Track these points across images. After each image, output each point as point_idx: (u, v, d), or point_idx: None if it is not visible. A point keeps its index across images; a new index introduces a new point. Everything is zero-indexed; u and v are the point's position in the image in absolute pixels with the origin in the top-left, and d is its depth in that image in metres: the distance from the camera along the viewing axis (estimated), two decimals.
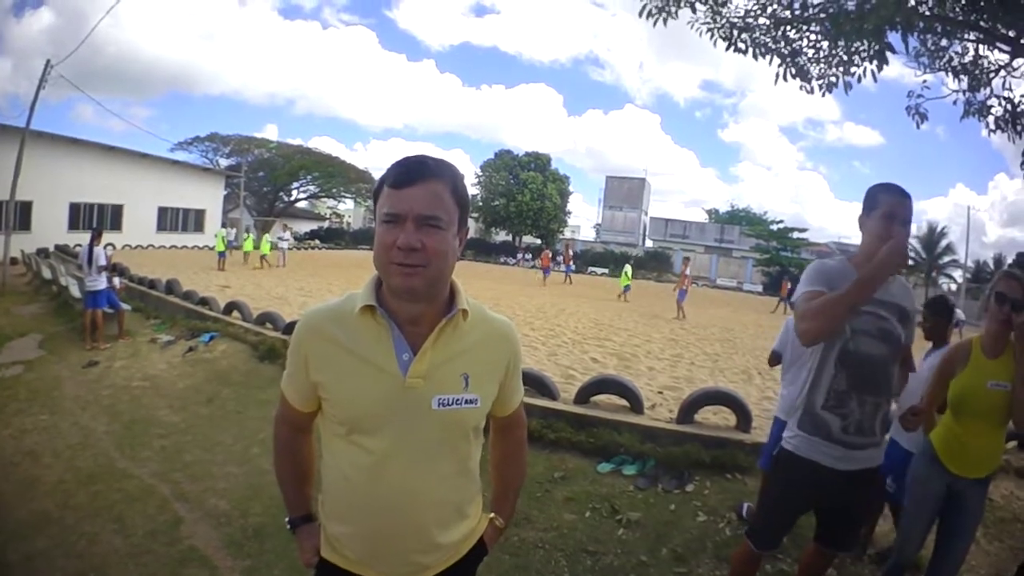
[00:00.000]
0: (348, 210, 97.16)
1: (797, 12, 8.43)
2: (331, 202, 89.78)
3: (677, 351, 16.66)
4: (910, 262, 65.21)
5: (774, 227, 73.76)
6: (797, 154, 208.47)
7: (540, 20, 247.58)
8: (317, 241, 67.73)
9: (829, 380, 3.24)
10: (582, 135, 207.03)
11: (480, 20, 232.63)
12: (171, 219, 49.98)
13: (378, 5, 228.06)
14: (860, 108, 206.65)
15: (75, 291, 15.06)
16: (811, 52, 8.71)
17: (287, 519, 2.29)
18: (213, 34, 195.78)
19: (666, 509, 6.04)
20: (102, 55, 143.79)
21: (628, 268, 34.56)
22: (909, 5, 7.38)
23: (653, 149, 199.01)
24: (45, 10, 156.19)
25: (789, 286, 36.26)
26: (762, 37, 8.64)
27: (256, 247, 33.33)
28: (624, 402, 8.06)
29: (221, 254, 30.13)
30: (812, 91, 8.85)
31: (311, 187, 79.62)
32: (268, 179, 73.53)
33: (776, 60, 8.67)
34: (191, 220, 52.08)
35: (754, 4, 8.59)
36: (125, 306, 13.59)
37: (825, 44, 8.50)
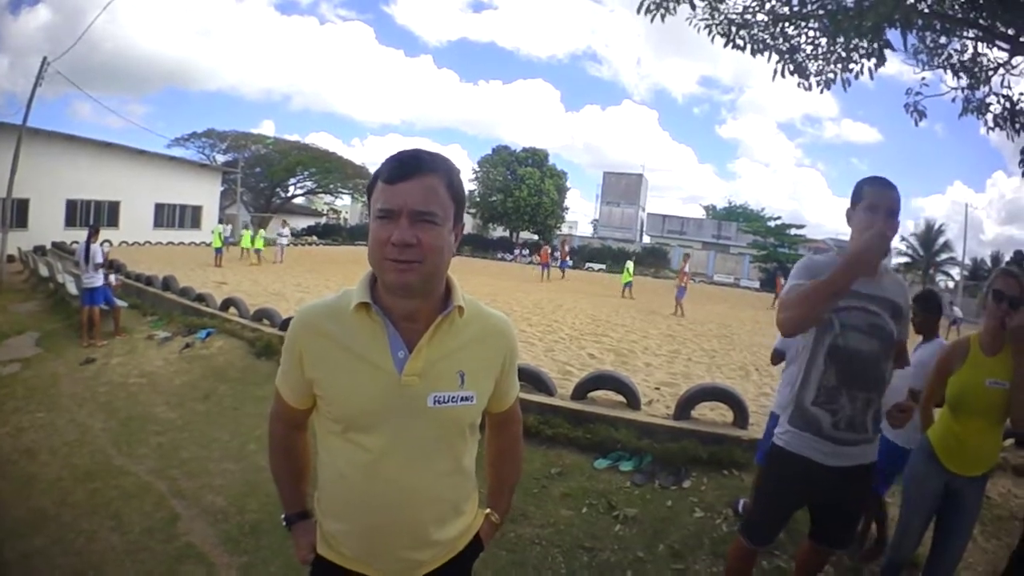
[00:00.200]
0: (345, 206, 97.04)
1: (796, 9, 8.43)
2: (328, 198, 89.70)
3: (674, 347, 16.70)
4: (907, 259, 65.65)
5: (771, 223, 73.73)
6: (795, 151, 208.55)
7: (538, 15, 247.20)
8: (314, 237, 67.83)
9: (819, 376, 3.24)
10: (580, 131, 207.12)
11: (478, 15, 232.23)
12: (168, 215, 49.95)
13: (375, 0, 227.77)
14: (858, 105, 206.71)
15: (72, 288, 15.02)
16: (809, 49, 8.71)
17: (283, 516, 2.29)
18: (210, 30, 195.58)
19: (663, 505, 6.04)
20: (99, 52, 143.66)
21: (630, 265, 34.44)
22: (908, 3, 7.38)
23: (651, 145, 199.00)
24: (42, 7, 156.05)
25: (783, 282, 36.37)
26: (760, 34, 8.63)
27: (253, 243, 33.25)
28: (621, 398, 8.06)
29: (218, 250, 30.09)
30: (810, 88, 8.86)
31: (308, 183, 79.63)
32: (265, 175, 73.52)
33: (774, 57, 8.67)
34: (188, 216, 52.03)
35: (753, 0, 8.58)
36: (121, 303, 13.61)
37: (823, 41, 8.50)
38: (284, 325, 11.08)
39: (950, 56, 9.17)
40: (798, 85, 8.87)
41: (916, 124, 9.28)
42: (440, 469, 2.01)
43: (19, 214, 33.47)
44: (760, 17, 8.60)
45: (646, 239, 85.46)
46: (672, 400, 8.74)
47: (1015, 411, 3.75)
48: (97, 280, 12.40)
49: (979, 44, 8.88)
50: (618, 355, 14.37)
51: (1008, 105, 8.93)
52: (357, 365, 1.91)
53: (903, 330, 3.32)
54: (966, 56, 9.11)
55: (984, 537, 5.80)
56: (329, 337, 1.93)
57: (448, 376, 1.95)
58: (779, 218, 77.16)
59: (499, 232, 78.27)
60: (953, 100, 9.36)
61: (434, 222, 1.79)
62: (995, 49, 8.73)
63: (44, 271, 19.88)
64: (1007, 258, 72.53)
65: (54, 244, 32.94)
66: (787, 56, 8.66)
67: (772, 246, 64.91)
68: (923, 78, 9.13)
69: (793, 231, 68.49)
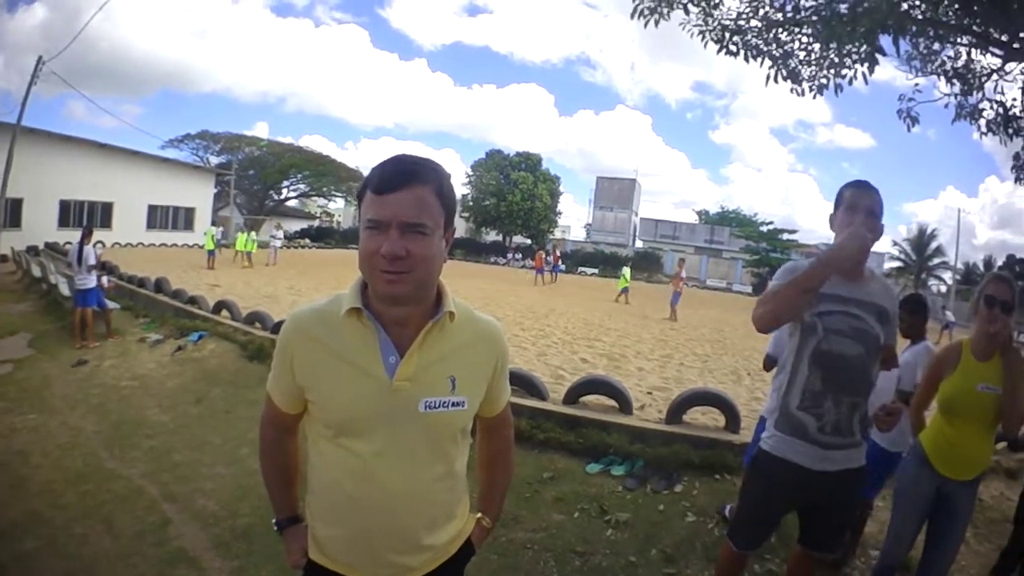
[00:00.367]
0: (338, 209, 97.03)
1: (789, 15, 8.46)
2: (321, 201, 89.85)
3: (667, 352, 16.72)
4: (899, 264, 65.75)
5: (764, 228, 73.92)
6: (788, 156, 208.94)
7: (532, 20, 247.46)
8: (307, 240, 67.62)
9: (803, 380, 3.24)
10: (573, 135, 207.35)
11: (473, 20, 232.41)
12: (161, 217, 49.87)
13: (371, 4, 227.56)
14: (851, 111, 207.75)
15: (64, 289, 14.99)
16: (802, 54, 8.73)
17: (274, 520, 2.28)
18: (205, 31, 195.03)
19: (655, 509, 6.05)
20: (95, 51, 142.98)
21: (626, 270, 34.47)
22: (902, 9, 7.40)
23: (644, 150, 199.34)
24: (38, 5, 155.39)
25: None
26: (754, 39, 8.66)
27: (244, 245, 33.17)
28: (613, 403, 8.08)
29: (211, 252, 29.88)
30: (803, 93, 8.88)
31: (301, 186, 79.75)
32: (258, 177, 73.59)
33: (767, 62, 8.69)
34: (181, 218, 51.95)
35: (746, 6, 8.60)
36: (113, 305, 13.54)
37: (816, 46, 8.53)
38: (276, 328, 11.04)
39: (943, 62, 9.20)
40: (791, 91, 8.90)
41: (909, 130, 9.32)
42: (431, 474, 2.01)
43: (12, 214, 33.46)
44: (754, 23, 8.62)
45: (639, 244, 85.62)
46: (664, 404, 8.76)
47: (1006, 416, 3.77)
48: (90, 281, 12.35)
49: (972, 50, 8.91)
50: (611, 359, 14.38)
51: (1001, 111, 8.96)
52: (348, 370, 1.90)
53: (890, 334, 3.32)
54: (959, 62, 9.14)
55: (977, 540, 5.84)
56: (320, 342, 1.93)
57: (439, 381, 1.95)
58: (771, 223, 77.39)
59: (492, 236, 78.26)
60: (946, 106, 9.40)
61: (424, 232, 1.78)
62: (988, 55, 8.76)
63: (37, 272, 19.80)
64: (1000, 262, 72.79)
65: (47, 245, 32.80)
66: (780, 62, 8.68)
67: (764, 251, 65.01)
68: (916, 84, 9.17)
69: (785, 236, 68.72)
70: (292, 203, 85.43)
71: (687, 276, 27.46)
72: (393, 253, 1.73)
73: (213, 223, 47.41)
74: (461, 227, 77.00)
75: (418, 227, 1.77)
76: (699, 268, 71.34)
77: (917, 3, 7.77)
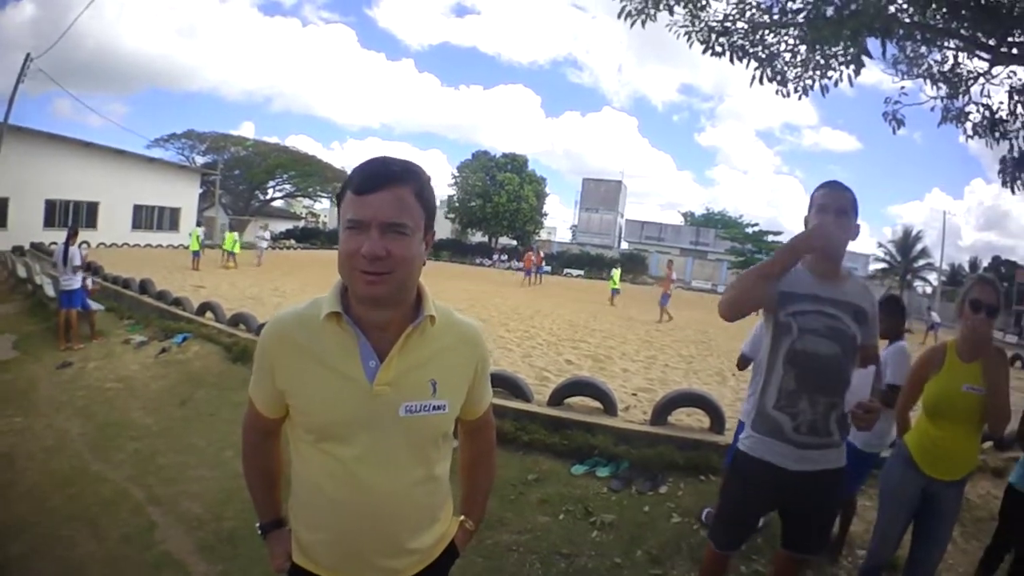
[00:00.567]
0: (324, 209, 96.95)
1: (776, 16, 8.48)
2: (307, 201, 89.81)
3: (652, 353, 16.76)
4: (885, 265, 66.04)
5: (749, 230, 74.32)
6: (774, 158, 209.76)
7: (520, 21, 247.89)
8: (293, 241, 67.50)
9: (778, 380, 3.26)
10: (560, 137, 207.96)
11: (460, 20, 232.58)
12: (146, 217, 49.78)
13: (358, 3, 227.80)
14: (838, 113, 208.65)
15: (50, 290, 14.93)
16: (788, 56, 8.75)
17: (258, 524, 2.27)
18: (193, 29, 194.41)
19: (640, 511, 6.05)
20: (82, 49, 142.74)
21: (615, 273, 34.47)
22: (888, 12, 7.43)
23: (630, 152, 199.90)
24: (27, 2, 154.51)
25: None
26: (740, 40, 8.68)
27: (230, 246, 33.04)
28: (598, 404, 8.09)
29: (195, 253, 29.76)
30: (788, 94, 8.91)
31: (287, 186, 79.72)
32: (244, 177, 73.53)
33: (753, 63, 8.71)
34: (166, 218, 51.87)
35: (733, 8, 8.62)
36: (97, 306, 13.46)
37: (802, 48, 8.55)
38: (260, 330, 11.02)
39: (930, 66, 9.25)
40: (776, 92, 8.92)
41: (894, 132, 9.38)
42: (414, 478, 2.00)
43: None
44: (740, 25, 8.64)
45: (624, 245, 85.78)
46: (649, 406, 8.75)
47: (991, 416, 3.79)
48: (75, 282, 12.29)
49: (959, 54, 8.95)
50: (596, 361, 14.39)
51: (988, 114, 9.01)
52: (328, 375, 1.90)
53: (868, 334, 3.33)
54: (946, 66, 9.18)
55: (964, 539, 5.88)
56: (300, 347, 1.93)
57: (420, 385, 1.94)
58: (757, 225, 77.97)
59: (478, 237, 78.25)
60: (932, 109, 9.45)
61: (404, 233, 1.78)
62: (975, 59, 8.80)
63: (22, 272, 19.70)
64: (985, 263, 73.23)
65: (33, 245, 32.67)
66: (766, 63, 8.71)
67: (750, 252, 65.22)
68: (902, 87, 9.21)
69: (771, 238, 68.97)
70: (278, 203, 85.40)
71: (676, 277, 27.38)
72: (373, 253, 1.73)
73: (198, 223, 47.33)
74: (447, 228, 76.99)
75: (398, 227, 1.76)
76: (684, 270, 71.46)
77: (904, 7, 7.79)
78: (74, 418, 8.18)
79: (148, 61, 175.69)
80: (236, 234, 34.53)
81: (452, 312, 2.11)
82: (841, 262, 3.33)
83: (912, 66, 9.35)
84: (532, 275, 42.74)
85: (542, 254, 49.00)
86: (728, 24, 8.65)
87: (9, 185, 31.83)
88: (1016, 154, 8.88)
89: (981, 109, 9.13)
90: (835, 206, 3.21)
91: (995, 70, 8.70)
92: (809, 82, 8.71)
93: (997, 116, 8.99)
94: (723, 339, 21.27)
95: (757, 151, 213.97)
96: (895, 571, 4.53)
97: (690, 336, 21.59)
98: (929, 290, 67.01)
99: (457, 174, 75.64)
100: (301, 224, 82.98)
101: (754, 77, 8.71)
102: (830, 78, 8.48)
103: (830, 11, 7.65)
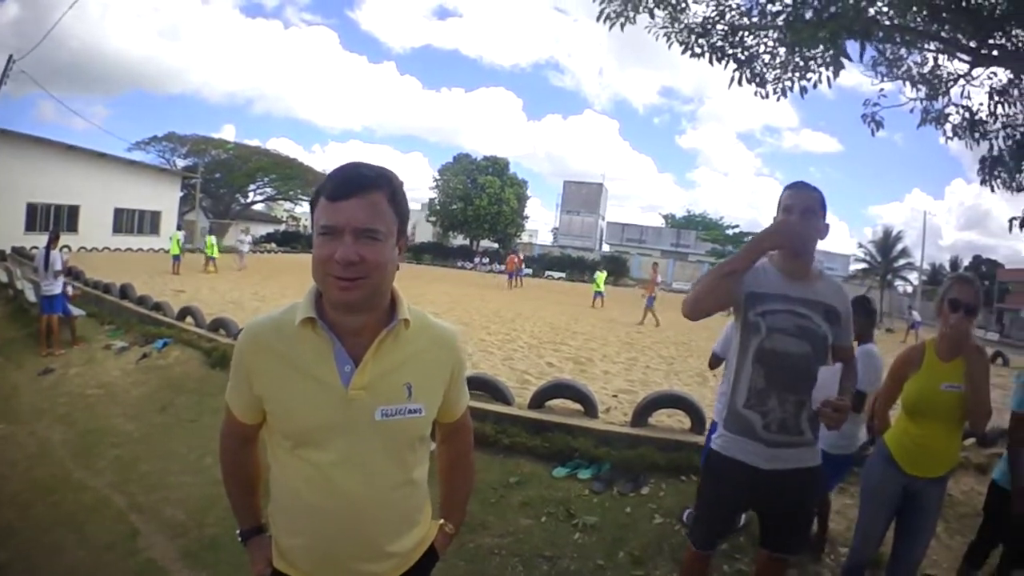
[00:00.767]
0: (305, 213, 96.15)
1: (755, 19, 8.50)
2: (288, 205, 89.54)
3: (633, 355, 16.82)
4: (865, 265, 66.34)
5: (730, 232, 74.68)
6: (754, 160, 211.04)
7: (502, 24, 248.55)
8: (273, 244, 67.34)
9: (748, 379, 3.28)
10: (541, 140, 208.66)
11: (442, 23, 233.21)
12: (127, 221, 49.55)
13: (340, 5, 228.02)
14: (818, 115, 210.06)
15: (31, 295, 14.80)
16: (767, 57, 8.77)
17: (238, 531, 2.27)
18: (175, 31, 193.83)
19: (622, 512, 6.07)
20: (65, 50, 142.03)
21: (599, 275, 34.16)
22: (868, 15, 7.46)
23: (611, 154, 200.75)
24: (11, 3, 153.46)
25: None
26: (719, 42, 8.70)
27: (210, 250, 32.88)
28: (579, 406, 8.09)
29: (176, 257, 29.54)
30: (767, 96, 8.93)
31: (268, 189, 79.50)
32: (224, 180, 73.27)
33: (732, 64, 8.73)
34: (147, 222, 51.63)
35: (712, 11, 8.65)
36: (78, 311, 13.37)
37: (782, 50, 8.57)
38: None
39: (909, 68, 9.30)
40: (755, 93, 8.95)
41: (873, 134, 9.40)
42: (391, 481, 2.01)
43: None
44: (720, 26, 8.66)
45: (605, 247, 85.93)
46: (630, 407, 8.76)
47: (971, 413, 3.81)
48: (56, 287, 12.22)
49: (939, 56, 9.00)
50: (577, 363, 14.42)
51: (968, 115, 9.06)
52: (304, 381, 1.90)
53: (841, 333, 3.35)
54: (926, 68, 9.23)
55: (948, 534, 5.93)
56: (276, 353, 1.93)
57: (395, 389, 1.95)
58: (737, 226, 78.31)
59: (459, 240, 78.20)
60: (911, 110, 9.49)
61: (377, 238, 1.79)
62: (955, 61, 8.85)
63: (3, 277, 19.52)
64: (966, 262, 73.81)
65: (14, 249, 32.42)
66: (745, 64, 8.73)
67: (731, 254, 64.97)
68: (881, 89, 9.25)
69: (751, 239, 69.09)
70: (258, 207, 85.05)
71: (660, 280, 27.43)
72: (347, 259, 1.74)
73: (179, 227, 47.03)
74: (428, 231, 76.94)
75: (371, 233, 1.78)
76: (666, 271, 71.58)
77: (884, 9, 7.83)
78: (56, 425, 8.15)
79: (131, 63, 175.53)
80: (214, 238, 34.40)
81: (426, 316, 2.12)
82: (811, 261, 3.36)
83: (892, 68, 9.39)
84: (514, 278, 42.77)
85: (521, 256, 49.03)
86: (708, 26, 8.68)
87: None
88: (995, 153, 8.94)
89: (961, 111, 9.19)
90: (801, 206, 3.24)
91: (975, 71, 8.75)
92: (788, 84, 8.73)
93: (977, 117, 9.04)
94: (704, 340, 21.27)
95: (737, 153, 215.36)
96: (878, 568, 4.56)
97: (671, 337, 21.63)
98: (910, 289, 67.46)
99: (438, 177, 75.63)
100: (282, 228, 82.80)
101: (733, 78, 8.73)
102: (809, 80, 8.50)
103: (809, 14, 7.68)
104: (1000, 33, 7.99)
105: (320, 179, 1.89)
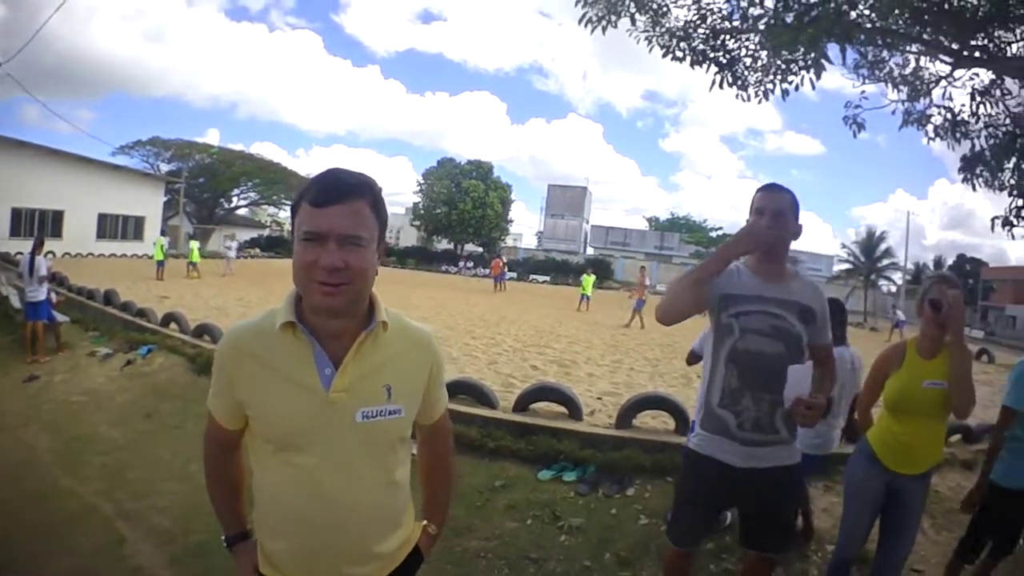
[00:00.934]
0: (288, 218, 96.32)
1: (736, 23, 8.54)
2: (271, 210, 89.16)
3: (617, 357, 16.85)
4: (849, 266, 66.60)
5: (713, 234, 74.95)
6: (737, 163, 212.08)
7: (486, 28, 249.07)
8: (257, 250, 67.11)
9: (722, 378, 3.32)
10: (525, 143, 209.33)
11: (427, 27, 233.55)
12: (111, 226, 49.47)
13: (325, 9, 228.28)
14: (801, 117, 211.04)
15: (15, 302, 14.67)
16: (749, 61, 8.80)
17: (223, 537, 2.29)
18: (160, 34, 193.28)
19: (608, 514, 6.09)
20: (51, 52, 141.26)
21: (587, 279, 34.16)
22: (849, 18, 7.50)
23: (595, 158, 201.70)
24: None
25: None
26: (700, 46, 8.72)
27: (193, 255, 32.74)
28: (563, 409, 8.11)
29: (160, 263, 29.36)
30: (748, 99, 8.96)
31: (251, 194, 79.31)
32: (208, 185, 73.00)
33: (713, 68, 8.76)
34: (131, 227, 51.53)
35: (694, 15, 8.67)
36: (62, 318, 13.29)
37: (763, 53, 8.60)
38: None
39: (891, 70, 9.35)
40: (736, 96, 8.98)
41: (855, 136, 9.46)
42: (374, 483, 2.03)
43: None
44: (701, 30, 8.69)
45: (590, 251, 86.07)
46: (615, 410, 8.80)
47: (956, 403, 3.84)
48: (41, 294, 12.08)
49: (921, 58, 9.05)
50: (561, 366, 14.45)
51: (950, 116, 9.12)
52: (285, 385, 1.92)
53: (817, 332, 3.39)
54: (907, 70, 9.28)
55: (935, 530, 6.01)
56: (257, 358, 1.94)
57: (375, 391, 1.97)
58: (720, 229, 78.63)
59: (444, 245, 78.17)
60: (893, 112, 9.55)
61: (361, 245, 1.82)
62: (937, 63, 8.91)
63: None
64: (950, 261, 74.29)
65: None
66: (726, 68, 8.76)
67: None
68: (863, 91, 9.30)
69: (721, 244, 69.32)
70: (242, 212, 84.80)
71: (639, 282, 27.50)
72: (332, 265, 1.76)
73: (163, 232, 46.85)
74: (412, 235, 76.84)
75: (356, 239, 1.80)
76: (650, 274, 71.61)
77: (866, 12, 7.87)
78: (42, 432, 8.10)
79: (115, 65, 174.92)
80: (197, 243, 34.29)
81: (404, 318, 2.14)
82: (784, 262, 3.38)
83: (873, 70, 9.44)
84: (499, 281, 42.89)
85: (504, 260, 49.08)
86: (689, 30, 8.70)
87: None
88: (977, 151, 8.99)
89: (943, 112, 9.24)
90: (772, 208, 3.27)
91: (957, 73, 8.80)
92: (770, 86, 8.76)
93: (959, 118, 9.10)
94: (688, 342, 21.22)
95: (721, 156, 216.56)
96: (865, 565, 4.59)
97: (656, 340, 21.67)
98: (894, 289, 67.73)
99: (422, 181, 75.61)
100: (266, 233, 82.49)
101: (714, 82, 8.76)
102: (790, 83, 8.52)
103: (790, 17, 7.71)
104: (982, 35, 8.04)
105: (304, 184, 1.89)
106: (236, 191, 77.56)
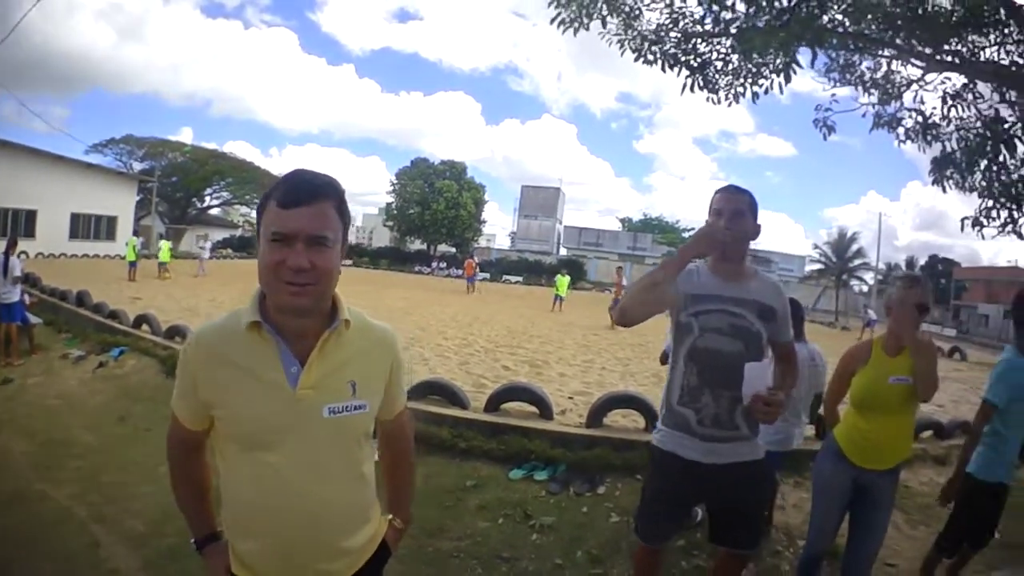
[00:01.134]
0: None
1: (708, 27, 8.59)
2: (244, 209, 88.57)
3: (589, 357, 16.93)
4: (820, 266, 67.05)
5: (686, 235, 74.90)
6: (710, 164, 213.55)
7: (462, 28, 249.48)
8: (229, 250, 66.73)
9: (681, 376, 3.39)
10: (499, 144, 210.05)
11: (403, 26, 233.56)
12: (84, 226, 49.05)
13: (301, 7, 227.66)
14: (774, 120, 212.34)
15: None
16: (720, 64, 8.85)
17: (192, 540, 2.30)
18: (134, 30, 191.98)
19: (579, 512, 6.14)
20: (27, 48, 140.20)
21: (561, 279, 34.21)
22: (821, 23, 7.56)
23: (569, 159, 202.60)
24: None
25: None
26: (672, 49, 8.76)
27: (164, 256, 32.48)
28: (534, 409, 8.16)
29: (132, 264, 29.13)
30: (719, 102, 9.01)
31: (224, 193, 78.72)
32: (181, 184, 72.36)
33: (685, 71, 8.81)
34: (103, 227, 51.11)
35: (666, 18, 8.72)
36: (36, 319, 13.17)
37: (735, 57, 8.66)
38: None
39: (862, 74, 9.43)
40: (707, 99, 9.02)
41: (825, 139, 9.52)
42: (342, 478, 2.07)
43: None
44: (673, 34, 8.74)
45: (563, 251, 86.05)
46: (586, 409, 8.81)
47: (919, 383, 3.90)
48: (15, 295, 11.91)
49: (892, 62, 9.14)
50: (533, 366, 14.51)
51: (921, 119, 9.20)
52: (252, 384, 1.94)
53: (777, 330, 3.45)
54: (879, 74, 9.36)
55: (910, 525, 6.10)
56: (223, 358, 1.97)
57: (340, 387, 2.01)
58: (693, 229, 77.98)
59: (417, 245, 78.02)
60: (864, 115, 9.62)
61: (327, 245, 1.85)
62: (909, 67, 8.99)
63: None
64: (922, 262, 74.95)
65: None
66: (697, 71, 8.81)
67: None
68: (833, 95, 9.38)
69: (679, 248, 69.51)
70: (215, 212, 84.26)
71: (610, 282, 27.69)
72: (299, 266, 1.80)
73: (135, 232, 46.51)
74: (385, 236, 76.62)
75: (322, 240, 1.84)
76: (625, 274, 71.82)
77: (839, 17, 7.94)
78: (17, 436, 8.04)
79: (92, 61, 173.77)
80: (169, 243, 34.09)
81: (365, 316, 2.18)
82: (743, 262, 3.44)
83: (844, 74, 9.50)
84: (472, 283, 42.83)
85: (476, 260, 49.09)
86: (661, 33, 8.74)
87: None
88: (947, 154, 9.08)
89: (914, 115, 9.31)
90: (730, 209, 3.34)
91: (928, 76, 8.87)
92: (740, 90, 8.80)
93: (930, 121, 9.17)
94: (660, 342, 21.29)
95: (694, 158, 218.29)
96: (836, 559, 4.65)
97: (627, 339, 21.70)
98: (866, 289, 68.21)
99: (396, 181, 75.43)
100: (238, 233, 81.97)
101: (685, 85, 8.81)
102: (761, 86, 8.57)
103: (762, 22, 7.76)
104: (956, 39, 8.12)
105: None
106: (209, 191, 77.03)
